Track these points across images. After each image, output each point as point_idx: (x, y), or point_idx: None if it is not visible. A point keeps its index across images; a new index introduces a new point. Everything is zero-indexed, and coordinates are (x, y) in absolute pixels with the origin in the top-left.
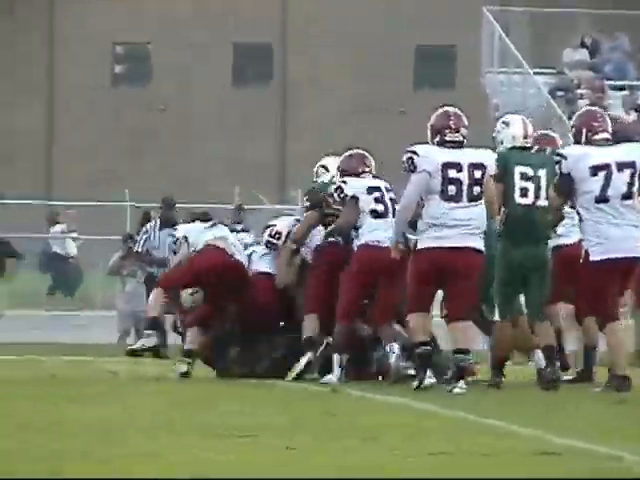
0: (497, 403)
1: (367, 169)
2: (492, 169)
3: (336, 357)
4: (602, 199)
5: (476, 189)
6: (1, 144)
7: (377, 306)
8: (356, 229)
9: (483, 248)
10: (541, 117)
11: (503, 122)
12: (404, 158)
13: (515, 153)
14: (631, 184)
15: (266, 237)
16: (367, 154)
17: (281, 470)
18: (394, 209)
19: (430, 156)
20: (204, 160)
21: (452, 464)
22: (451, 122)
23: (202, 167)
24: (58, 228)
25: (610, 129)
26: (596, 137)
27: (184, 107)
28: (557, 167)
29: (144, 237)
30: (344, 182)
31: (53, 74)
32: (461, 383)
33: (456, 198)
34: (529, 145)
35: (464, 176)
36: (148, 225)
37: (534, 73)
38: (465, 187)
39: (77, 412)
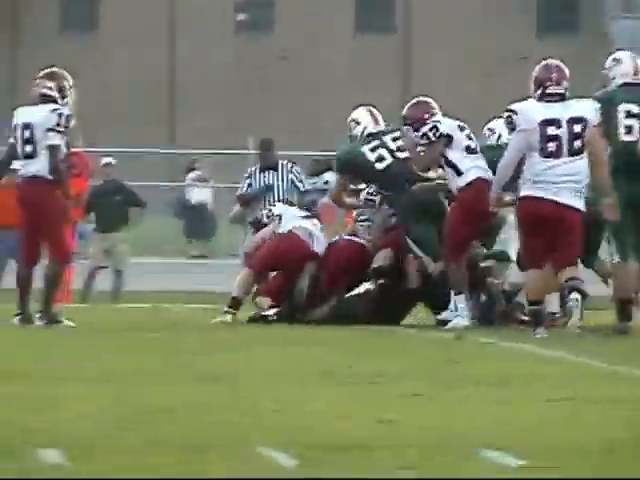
0: (625, 349)
1: (430, 116)
2: (594, 120)
3: (458, 297)
4: None
5: (577, 143)
6: (125, 97)
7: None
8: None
9: (583, 206)
10: None
11: (614, 59)
12: (504, 116)
13: (620, 92)
14: None
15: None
16: (432, 101)
17: (408, 417)
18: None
19: (528, 114)
20: (325, 108)
21: (572, 410)
22: (553, 75)
23: (325, 116)
24: (192, 175)
25: None
26: None
27: (307, 55)
28: None
29: (247, 182)
30: (438, 122)
31: (174, 23)
32: (540, 328)
33: (556, 154)
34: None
35: (563, 132)
36: (249, 170)
37: None
38: (565, 142)
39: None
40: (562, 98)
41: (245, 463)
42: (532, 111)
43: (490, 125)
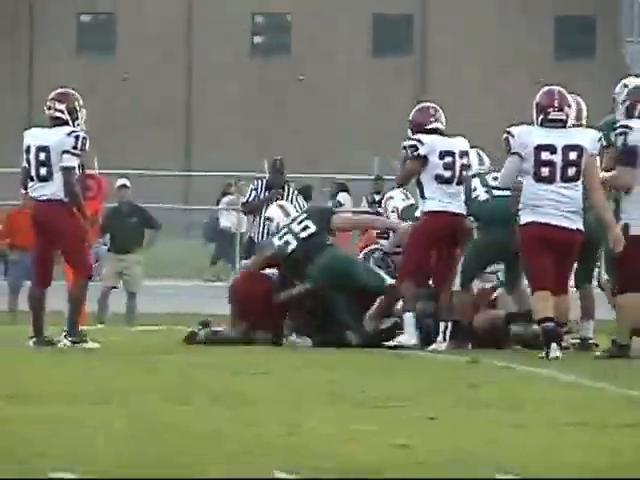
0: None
1: (434, 121)
2: (593, 150)
3: (406, 315)
4: None
5: (571, 170)
6: (143, 117)
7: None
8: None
9: (581, 226)
10: None
11: (624, 84)
12: (503, 137)
13: None
14: None
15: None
16: (437, 107)
17: (421, 440)
18: (461, 175)
19: (524, 139)
20: (343, 130)
21: (594, 436)
22: (555, 101)
23: (341, 137)
24: (226, 199)
25: None
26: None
27: (322, 77)
28: (622, 138)
29: (253, 194)
30: (420, 141)
31: (192, 46)
32: (554, 346)
33: (549, 179)
34: None
35: (558, 158)
36: (256, 182)
37: None
38: (558, 169)
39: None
40: (563, 124)
41: None
42: (529, 135)
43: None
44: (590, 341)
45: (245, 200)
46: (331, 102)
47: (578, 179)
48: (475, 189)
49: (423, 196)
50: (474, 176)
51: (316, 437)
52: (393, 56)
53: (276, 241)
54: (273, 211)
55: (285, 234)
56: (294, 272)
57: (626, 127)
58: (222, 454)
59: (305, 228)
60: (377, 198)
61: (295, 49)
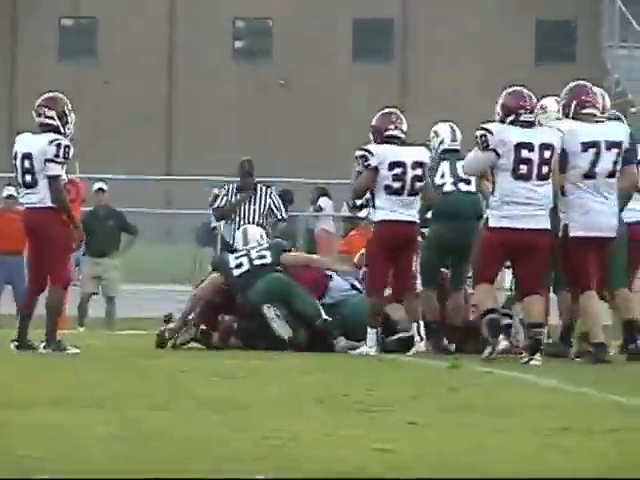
0: (626, 378)
1: (393, 128)
2: (559, 148)
3: (370, 329)
4: (589, 175)
5: (545, 168)
6: (121, 121)
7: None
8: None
9: (547, 226)
10: None
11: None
12: (478, 134)
13: None
14: (616, 163)
15: None
16: (399, 113)
17: (405, 445)
18: (412, 187)
19: (504, 136)
20: (323, 135)
21: (578, 441)
22: (527, 103)
23: (321, 142)
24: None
25: (600, 104)
26: (584, 111)
27: (304, 82)
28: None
29: (225, 199)
30: (370, 152)
31: (172, 49)
32: (537, 356)
33: (527, 177)
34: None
35: (535, 156)
36: (226, 186)
37: None
38: (535, 166)
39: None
40: (532, 125)
41: None
42: (508, 133)
43: (436, 128)
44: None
45: (216, 205)
46: (312, 106)
47: (549, 177)
48: (443, 175)
49: (374, 206)
50: (444, 159)
51: (301, 441)
52: (375, 61)
53: (232, 260)
54: (237, 234)
55: (242, 256)
56: (242, 294)
57: (559, 131)
58: (209, 459)
59: (261, 257)
60: (358, 203)
61: (277, 53)
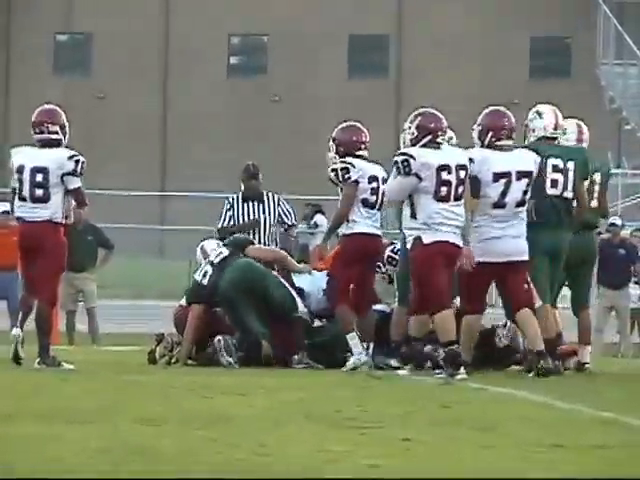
0: (617, 396)
1: (362, 144)
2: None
3: (349, 336)
4: (499, 205)
5: (460, 189)
6: (115, 136)
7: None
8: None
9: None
10: None
11: (536, 112)
12: (399, 159)
13: (545, 145)
14: (525, 192)
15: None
16: (362, 127)
17: (395, 461)
18: (382, 200)
19: (426, 160)
20: (319, 152)
21: (566, 457)
22: (442, 125)
23: (316, 158)
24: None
25: (513, 132)
26: (499, 143)
27: (299, 98)
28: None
29: (228, 213)
30: (352, 165)
31: (167, 65)
32: (461, 370)
33: (446, 198)
34: (557, 136)
35: (453, 177)
36: (229, 198)
37: None
38: (453, 188)
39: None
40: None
41: None
42: (429, 156)
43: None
44: (586, 365)
45: (220, 225)
46: (307, 122)
47: (462, 197)
48: None
49: (347, 220)
50: None
51: (288, 457)
52: (370, 77)
53: (198, 277)
54: (197, 253)
55: (204, 266)
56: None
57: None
58: (196, 474)
59: (219, 254)
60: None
61: (271, 69)
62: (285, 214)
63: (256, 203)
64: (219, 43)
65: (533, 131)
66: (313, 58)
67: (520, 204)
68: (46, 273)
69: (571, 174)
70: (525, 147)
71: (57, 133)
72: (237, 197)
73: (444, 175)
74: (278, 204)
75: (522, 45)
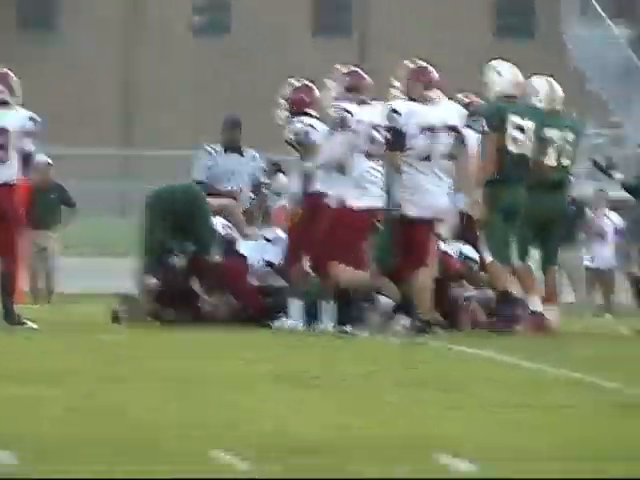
0: (584, 355)
1: (312, 103)
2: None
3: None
4: (425, 157)
5: (382, 148)
6: (81, 97)
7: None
8: None
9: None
10: (621, 68)
11: (495, 70)
12: (336, 114)
13: (505, 103)
14: (450, 145)
15: None
16: (315, 88)
17: (362, 421)
18: None
19: (362, 116)
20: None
21: (533, 417)
22: (367, 82)
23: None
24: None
25: (437, 84)
26: (429, 93)
27: (261, 58)
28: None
29: (209, 163)
30: (311, 126)
31: (133, 25)
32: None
33: (376, 157)
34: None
35: (380, 135)
36: (210, 149)
37: (614, 24)
38: (381, 146)
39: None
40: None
41: (196, 465)
42: (364, 113)
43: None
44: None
45: (195, 175)
46: (272, 82)
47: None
48: None
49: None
50: None
51: (258, 416)
52: (334, 38)
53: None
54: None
55: None
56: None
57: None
58: (165, 435)
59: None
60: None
61: (235, 28)
62: (259, 171)
63: (236, 155)
64: (183, 2)
65: (493, 89)
66: (276, 17)
67: (445, 157)
68: (14, 234)
69: (530, 133)
70: (485, 104)
71: (4, 92)
72: (217, 147)
73: (375, 133)
74: (254, 160)
75: (487, 3)
